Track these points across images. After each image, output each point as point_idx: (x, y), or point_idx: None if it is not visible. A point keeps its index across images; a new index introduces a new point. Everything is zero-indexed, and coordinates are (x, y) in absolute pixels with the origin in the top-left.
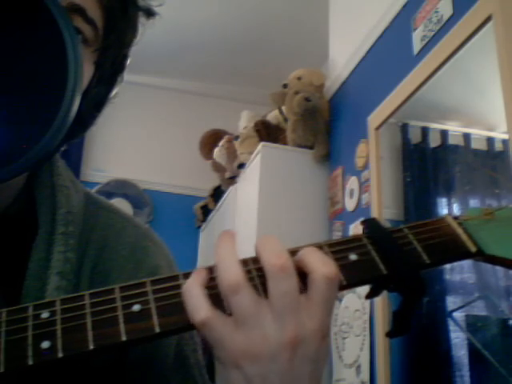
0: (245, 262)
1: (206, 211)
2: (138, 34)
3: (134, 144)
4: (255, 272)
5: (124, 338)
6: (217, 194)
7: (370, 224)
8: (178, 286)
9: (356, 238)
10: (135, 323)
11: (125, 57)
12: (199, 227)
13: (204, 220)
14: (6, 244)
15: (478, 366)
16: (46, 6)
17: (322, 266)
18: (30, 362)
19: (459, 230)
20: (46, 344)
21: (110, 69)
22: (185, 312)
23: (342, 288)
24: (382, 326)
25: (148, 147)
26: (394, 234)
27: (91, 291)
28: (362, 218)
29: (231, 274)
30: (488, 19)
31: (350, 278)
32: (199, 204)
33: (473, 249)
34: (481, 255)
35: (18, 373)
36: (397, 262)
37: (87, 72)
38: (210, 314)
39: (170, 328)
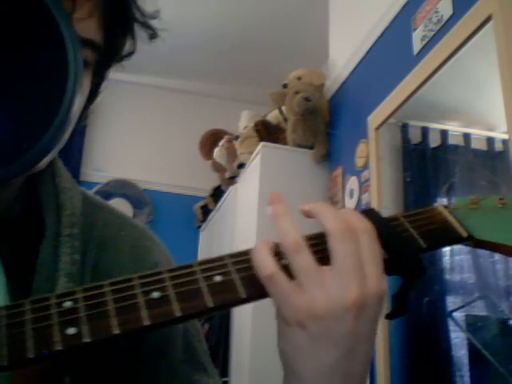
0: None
1: (206, 211)
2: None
3: (134, 144)
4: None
5: (147, 323)
6: (217, 194)
7: (370, 214)
8: (194, 273)
9: None
10: (157, 308)
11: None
12: (199, 227)
13: (204, 220)
14: (11, 245)
15: (477, 365)
16: (46, 7)
17: (360, 223)
18: (59, 347)
19: (451, 218)
20: (71, 330)
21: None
22: (203, 297)
23: None
24: (382, 325)
25: (148, 147)
26: (391, 221)
27: (109, 281)
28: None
29: (292, 234)
30: (488, 19)
31: None
32: (199, 204)
33: (464, 234)
34: (471, 240)
35: (45, 359)
36: (397, 245)
37: (86, 87)
38: (275, 270)
39: (189, 312)
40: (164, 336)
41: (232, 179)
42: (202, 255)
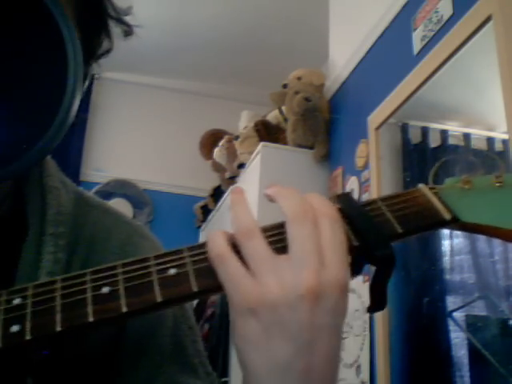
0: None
1: (206, 211)
2: (111, 37)
3: (134, 144)
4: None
5: (91, 319)
6: (217, 193)
7: (343, 198)
8: (148, 266)
9: None
10: (103, 304)
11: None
12: (199, 227)
13: (204, 220)
14: None
15: (477, 366)
16: (46, 6)
17: (322, 207)
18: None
19: (434, 199)
20: (15, 328)
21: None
22: (152, 292)
23: None
24: (382, 325)
25: (148, 147)
26: (366, 206)
27: (63, 276)
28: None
29: (245, 221)
30: (488, 19)
31: None
32: (199, 204)
33: (447, 216)
34: (456, 222)
35: None
36: (366, 232)
37: None
38: (226, 250)
39: (137, 307)
40: (148, 334)
41: (232, 179)
42: None
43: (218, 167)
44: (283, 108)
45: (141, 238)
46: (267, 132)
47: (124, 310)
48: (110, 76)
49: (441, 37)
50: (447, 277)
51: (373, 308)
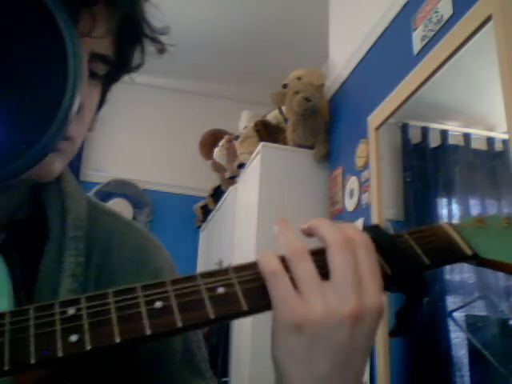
0: None
1: (206, 211)
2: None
3: (134, 144)
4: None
5: (148, 332)
6: (217, 193)
7: (373, 230)
8: (197, 284)
9: None
10: (158, 318)
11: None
12: (199, 227)
13: (204, 220)
14: (17, 248)
15: (477, 366)
16: (45, 5)
17: (358, 237)
18: (60, 354)
19: (455, 235)
20: (74, 337)
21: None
22: (205, 308)
23: None
24: (381, 326)
25: (148, 147)
26: (395, 238)
27: (113, 290)
28: (362, 219)
29: (296, 244)
30: (488, 19)
31: None
32: (199, 204)
33: (468, 252)
34: (476, 259)
35: (47, 364)
36: (401, 263)
37: (96, 97)
38: (279, 267)
39: (191, 323)
40: (163, 340)
41: (232, 179)
42: (201, 255)
43: (217, 167)
44: (283, 108)
45: (152, 247)
46: (267, 132)
47: (179, 324)
48: None
49: (441, 37)
50: (447, 277)
51: (397, 333)
